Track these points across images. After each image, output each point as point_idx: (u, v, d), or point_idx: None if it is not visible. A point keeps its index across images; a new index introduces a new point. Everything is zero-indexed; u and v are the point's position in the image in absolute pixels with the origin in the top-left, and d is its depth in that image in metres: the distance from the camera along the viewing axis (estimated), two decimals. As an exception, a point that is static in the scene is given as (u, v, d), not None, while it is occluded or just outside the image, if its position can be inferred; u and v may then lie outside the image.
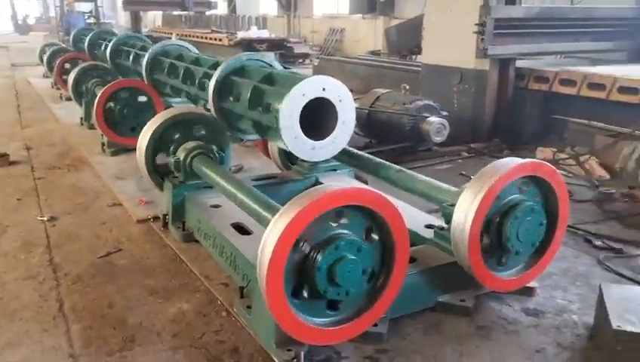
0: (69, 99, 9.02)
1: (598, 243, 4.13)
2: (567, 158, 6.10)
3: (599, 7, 7.82)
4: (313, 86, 3.19)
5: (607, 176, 5.70)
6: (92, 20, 19.99)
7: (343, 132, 3.35)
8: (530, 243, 3.10)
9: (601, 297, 2.85)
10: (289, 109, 3.13)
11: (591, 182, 5.54)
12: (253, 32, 16.63)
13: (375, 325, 2.85)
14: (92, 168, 6.02)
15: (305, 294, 2.58)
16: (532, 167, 3.01)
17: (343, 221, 2.61)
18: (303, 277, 2.57)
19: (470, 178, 5.46)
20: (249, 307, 3.02)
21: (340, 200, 2.52)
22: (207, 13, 22.19)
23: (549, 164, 3.11)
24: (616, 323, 2.58)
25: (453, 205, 3.08)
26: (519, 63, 7.13)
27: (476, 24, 6.48)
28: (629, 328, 2.55)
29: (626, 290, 2.96)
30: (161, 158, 4.42)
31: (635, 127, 5.54)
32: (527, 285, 3.30)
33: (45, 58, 11.41)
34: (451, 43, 7.09)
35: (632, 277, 3.61)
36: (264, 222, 3.00)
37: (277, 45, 15.97)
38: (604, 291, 2.86)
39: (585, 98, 6.48)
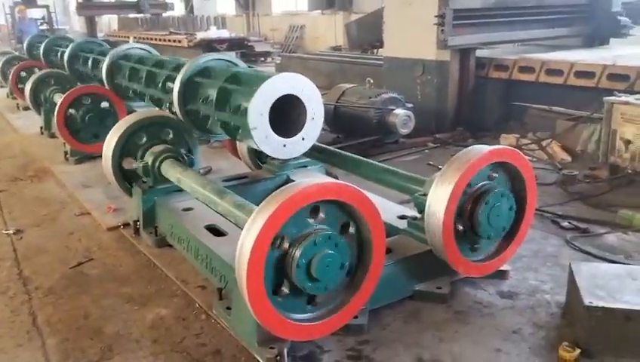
0: (26, 108, 8.79)
1: (565, 224, 4.25)
2: (529, 143, 6.24)
3: (552, -6, 8.01)
4: (280, 83, 3.18)
5: (569, 159, 5.87)
6: (45, 27, 19.46)
7: (313, 127, 3.35)
8: (501, 228, 3.18)
9: (572, 276, 2.94)
10: (258, 108, 3.11)
11: (554, 166, 5.69)
12: (213, 32, 16.45)
13: (355, 317, 2.88)
14: (56, 178, 5.88)
15: (285, 291, 2.58)
16: (500, 154, 3.08)
17: (320, 217, 2.62)
18: (282, 274, 2.58)
19: (438, 168, 5.58)
20: (228, 308, 3.01)
21: (316, 196, 2.53)
22: (164, 14, 21.86)
23: (516, 149, 3.18)
24: (588, 299, 2.66)
25: (425, 195, 3.12)
26: (479, 53, 7.26)
27: (436, 16, 6.57)
28: (601, 303, 2.64)
29: (595, 268, 3.05)
30: (127, 164, 4.35)
31: (592, 110, 5.70)
32: (500, 268, 3.38)
33: (-2, 67, 11.05)
34: (412, 35, 7.17)
35: (599, 255, 3.73)
36: (240, 222, 2.99)
37: (238, 44, 15.84)
38: (574, 270, 2.95)
39: (544, 84, 6.65)
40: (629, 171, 4.86)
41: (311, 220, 2.60)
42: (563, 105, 6.42)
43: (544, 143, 6.10)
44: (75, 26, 34.28)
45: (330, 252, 2.57)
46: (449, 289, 3.22)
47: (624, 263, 3.53)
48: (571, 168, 5.45)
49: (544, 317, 3.02)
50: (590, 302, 2.64)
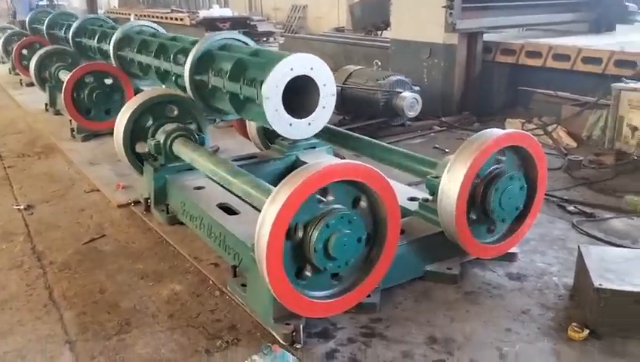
0: (30, 84, 8.77)
1: (571, 208, 4.30)
2: (535, 128, 6.26)
3: (560, -20, 7.98)
4: (296, 63, 3.18)
5: (574, 145, 5.90)
6: (45, 2, 19.27)
7: (325, 109, 3.37)
8: (512, 210, 3.22)
9: (581, 258, 2.99)
10: (273, 86, 3.12)
11: (559, 151, 5.72)
12: (216, 11, 16.31)
13: (368, 296, 2.93)
14: (63, 155, 5.90)
15: (307, 273, 2.64)
16: (513, 138, 3.12)
17: (329, 198, 2.66)
18: (301, 254, 2.63)
19: (444, 151, 5.62)
20: (243, 285, 3.06)
21: (333, 176, 2.57)
22: (166, -8, 21.65)
23: (529, 134, 3.22)
24: (597, 281, 2.72)
25: (437, 177, 3.16)
26: (486, 37, 7.24)
27: (444, -2, 6.55)
28: (609, 286, 2.70)
29: (604, 251, 3.12)
30: (140, 147, 4.36)
31: (599, 96, 5.73)
32: (509, 251, 3.43)
33: (0, 43, 10.96)
34: (420, 18, 7.14)
35: (605, 239, 3.79)
36: (255, 201, 3.03)
37: (240, 24, 15.67)
38: (583, 253, 3.01)
39: (550, 69, 6.65)
40: (635, 157, 4.90)
41: (321, 199, 2.64)
42: (569, 90, 6.44)
43: (550, 128, 6.13)
44: (73, 2, 33.87)
45: (346, 231, 2.62)
46: (459, 270, 3.28)
47: (631, 248, 3.58)
48: (576, 154, 5.49)
49: (552, 299, 3.08)
50: (600, 284, 2.70)
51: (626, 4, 7.99)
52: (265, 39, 15.85)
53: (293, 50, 10.54)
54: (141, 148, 4.34)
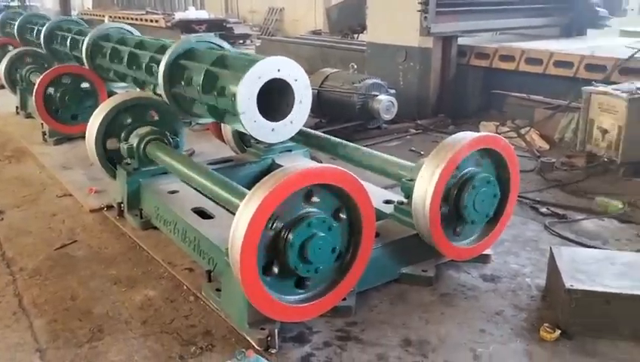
0: (0, 87, 8.57)
1: (543, 210, 4.37)
2: (508, 131, 6.35)
3: (533, -15, 8.10)
4: (268, 67, 3.17)
5: (547, 147, 5.99)
6: (17, 3, 18.95)
7: (301, 112, 3.36)
8: (485, 213, 3.26)
9: (553, 259, 3.04)
10: (246, 92, 3.11)
11: (532, 153, 5.81)
12: (192, 13, 16.22)
13: (344, 299, 2.93)
14: (35, 159, 5.79)
15: (275, 271, 2.62)
16: (487, 141, 3.15)
17: (314, 200, 2.65)
18: (274, 255, 2.61)
19: (420, 153, 5.65)
20: (218, 290, 3.03)
21: (308, 180, 2.56)
22: (141, -7, 21.47)
23: (502, 137, 3.26)
24: (569, 282, 2.76)
25: (412, 180, 3.18)
26: (460, 41, 7.32)
27: (419, 2, 6.60)
28: (581, 286, 2.74)
29: (575, 252, 3.17)
30: (111, 145, 4.30)
31: (570, 99, 5.83)
32: (483, 252, 3.46)
33: (-31, 45, 10.71)
34: (396, 22, 7.19)
35: (577, 240, 3.85)
36: (230, 205, 3.01)
37: (216, 26, 15.66)
38: (555, 254, 3.05)
39: (523, 73, 6.76)
40: (605, 159, 4.99)
41: (305, 204, 2.63)
42: (541, 93, 6.55)
43: (523, 131, 6.22)
44: (46, 3, 33.34)
45: (322, 235, 2.61)
46: (434, 272, 3.30)
47: (601, 248, 3.65)
48: (549, 156, 5.57)
49: (525, 300, 3.12)
50: (571, 285, 2.74)
51: (597, 9, 8.15)
52: (241, 42, 15.83)
53: (269, 52, 10.53)
54: (112, 144, 4.26)
